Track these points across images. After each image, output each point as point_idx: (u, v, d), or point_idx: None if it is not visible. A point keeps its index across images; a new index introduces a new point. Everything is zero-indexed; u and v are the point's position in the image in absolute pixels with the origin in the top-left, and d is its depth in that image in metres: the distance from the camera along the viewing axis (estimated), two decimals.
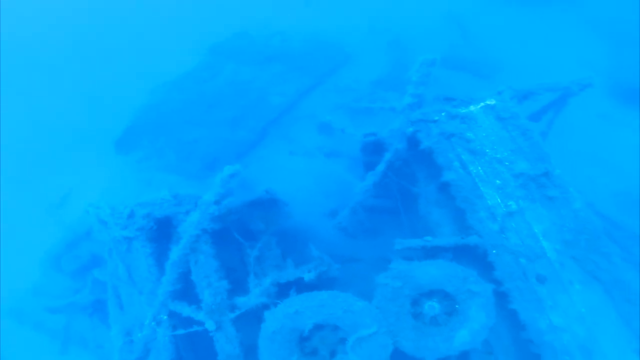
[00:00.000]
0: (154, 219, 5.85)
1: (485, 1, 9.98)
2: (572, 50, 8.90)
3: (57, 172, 9.37)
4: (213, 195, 5.57)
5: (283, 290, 5.49)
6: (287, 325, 5.07)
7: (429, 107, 6.06)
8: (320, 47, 9.95)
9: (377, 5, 10.43)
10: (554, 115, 6.80)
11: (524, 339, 5.39)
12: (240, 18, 10.34)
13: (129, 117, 9.47)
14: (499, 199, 5.59)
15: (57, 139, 9.83)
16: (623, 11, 9.16)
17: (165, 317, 5.54)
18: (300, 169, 8.24)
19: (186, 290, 5.65)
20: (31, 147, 9.83)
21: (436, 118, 5.80)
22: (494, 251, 5.48)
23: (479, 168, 5.68)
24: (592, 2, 9.33)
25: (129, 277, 5.81)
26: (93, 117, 9.95)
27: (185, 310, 5.52)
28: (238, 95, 9.56)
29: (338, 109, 8.91)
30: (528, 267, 5.41)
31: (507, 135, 5.80)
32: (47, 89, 10.79)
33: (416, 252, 5.73)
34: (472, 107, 5.92)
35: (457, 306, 5.27)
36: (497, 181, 5.63)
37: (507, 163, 5.69)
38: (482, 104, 5.96)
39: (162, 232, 5.93)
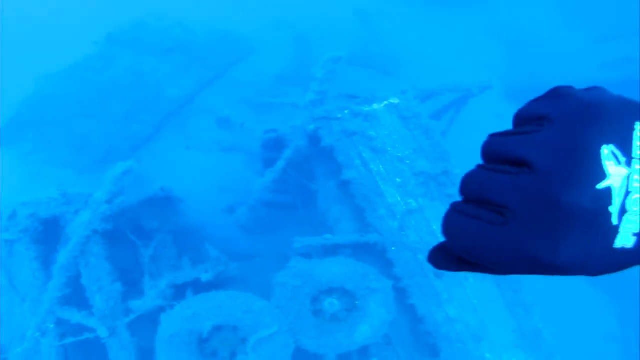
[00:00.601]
0: (39, 220, 5.42)
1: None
2: (473, 52, 9.29)
3: None
4: (105, 194, 5.25)
5: (180, 291, 5.28)
6: (185, 328, 4.90)
7: (332, 104, 6.06)
8: (222, 39, 9.68)
9: None
10: (455, 114, 7.05)
11: (422, 331, 5.56)
12: (139, 6, 9.84)
13: (11, 109, 8.73)
14: (399, 197, 5.69)
15: None
16: (518, 18, 9.70)
17: (52, 325, 5.16)
18: (197, 164, 8.00)
19: (76, 296, 5.29)
20: None
21: (339, 115, 5.80)
22: (393, 248, 5.58)
23: (380, 166, 5.76)
24: (492, 8, 9.79)
25: (9, 283, 5.35)
26: None
27: (75, 316, 5.16)
28: (134, 86, 9.11)
29: (238, 103, 8.71)
30: (426, 263, 5.55)
31: (409, 134, 5.91)
32: None
33: (316, 249, 5.74)
34: (375, 106, 5.98)
35: (357, 302, 5.35)
36: (398, 179, 5.74)
37: (408, 161, 5.80)
38: (385, 102, 6.03)
39: (48, 233, 5.51)
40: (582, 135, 0.60)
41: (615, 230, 0.58)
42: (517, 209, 0.59)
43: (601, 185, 0.58)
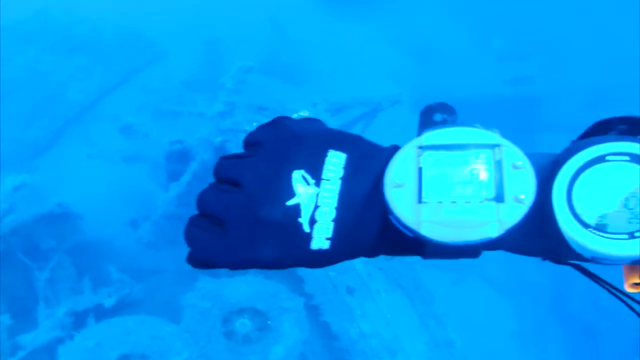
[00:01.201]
0: None
1: (306, 9, 10.11)
2: (382, 64, 9.44)
3: None
4: None
5: (80, 319, 4.87)
6: None
7: (240, 115, 5.92)
8: (131, 41, 9.16)
9: (196, 1, 9.95)
10: (364, 127, 7.11)
11: (337, 347, 5.53)
12: None
13: None
14: None
15: None
16: (427, 32, 9.99)
17: None
18: (99, 174, 7.49)
19: None
20: None
21: (247, 128, 5.67)
22: None
23: None
24: (402, 21, 9.98)
25: None
26: None
27: None
28: (33, 87, 8.39)
29: (143, 109, 8.25)
30: (337, 279, 5.56)
31: None
32: None
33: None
34: None
35: (269, 322, 5.26)
36: None
37: None
38: (295, 115, 5.95)
39: None
40: (280, 161, 0.73)
41: (309, 237, 0.70)
42: (230, 222, 0.72)
43: (290, 202, 0.70)
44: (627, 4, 9.13)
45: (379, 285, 5.69)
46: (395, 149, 0.75)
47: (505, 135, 0.71)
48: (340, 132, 0.78)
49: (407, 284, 5.74)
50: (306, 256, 0.71)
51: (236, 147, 5.56)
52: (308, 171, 0.72)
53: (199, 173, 5.89)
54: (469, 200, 0.68)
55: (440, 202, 0.68)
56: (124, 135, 7.81)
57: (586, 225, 0.66)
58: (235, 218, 0.71)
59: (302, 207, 0.70)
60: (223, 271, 5.52)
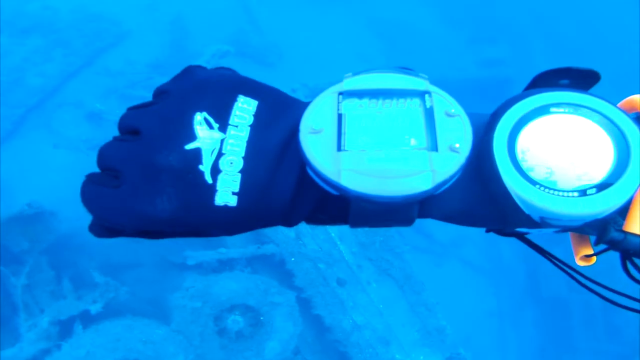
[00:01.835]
0: None
1: None
2: (354, 46, 9.27)
3: None
4: None
5: (66, 327, 4.58)
6: None
7: None
8: (91, 21, 8.59)
9: None
10: None
11: (330, 339, 5.50)
12: None
13: None
14: None
15: None
16: (398, 14, 9.86)
17: None
18: (66, 165, 7.02)
19: None
20: None
21: None
22: (293, 259, 5.46)
23: None
24: (373, 2, 9.81)
25: None
26: None
27: None
28: None
29: (109, 95, 7.78)
30: (327, 271, 5.52)
31: None
32: None
33: (211, 264, 5.43)
34: None
35: (261, 318, 5.18)
36: None
37: None
38: None
39: None
40: (182, 105, 0.67)
41: (212, 189, 0.62)
42: (125, 172, 0.64)
43: (189, 146, 0.63)
44: None
45: (370, 276, 5.68)
46: None
47: None
48: (254, 80, 0.72)
49: (396, 274, 5.74)
50: (211, 213, 0.62)
51: None
52: (212, 114, 0.65)
53: None
54: (397, 149, 0.60)
55: (363, 150, 0.61)
56: (90, 123, 7.38)
57: (533, 182, 0.61)
58: (131, 167, 0.65)
59: (204, 153, 0.63)
60: (210, 268, 5.36)
